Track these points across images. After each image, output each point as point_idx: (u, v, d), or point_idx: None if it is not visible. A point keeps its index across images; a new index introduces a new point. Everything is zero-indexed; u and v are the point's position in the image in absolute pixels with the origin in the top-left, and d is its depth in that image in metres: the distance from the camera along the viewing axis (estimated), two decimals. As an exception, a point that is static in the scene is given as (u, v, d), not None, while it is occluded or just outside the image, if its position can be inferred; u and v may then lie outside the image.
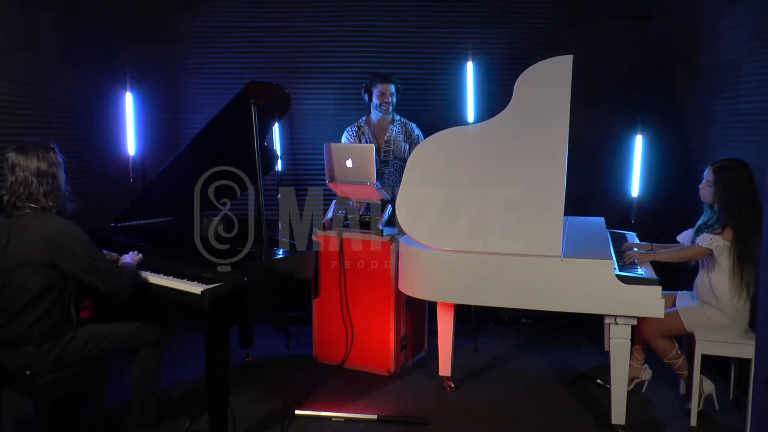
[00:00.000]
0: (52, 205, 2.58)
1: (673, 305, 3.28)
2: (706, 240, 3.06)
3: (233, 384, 3.04)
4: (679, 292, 3.40)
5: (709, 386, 3.20)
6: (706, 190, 3.16)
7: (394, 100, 4.11)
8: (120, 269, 2.76)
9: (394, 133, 4.13)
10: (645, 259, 3.22)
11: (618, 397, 3.02)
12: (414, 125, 4.22)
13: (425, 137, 3.62)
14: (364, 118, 4.24)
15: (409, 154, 3.61)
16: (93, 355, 2.70)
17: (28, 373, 2.57)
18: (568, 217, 3.43)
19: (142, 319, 2.88)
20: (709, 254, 3.08)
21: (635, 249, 3.37)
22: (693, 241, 3.18)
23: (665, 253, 3.23)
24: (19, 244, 2.52)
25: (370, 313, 3.74)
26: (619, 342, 2.99)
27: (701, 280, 3.20)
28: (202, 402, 3.12)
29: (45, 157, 2.56)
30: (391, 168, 4.14)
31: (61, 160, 2.64)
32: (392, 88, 4.07)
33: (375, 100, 4.09)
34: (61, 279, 2.58)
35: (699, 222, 3.24)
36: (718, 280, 3.09)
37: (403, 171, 3.27)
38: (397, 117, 4.20)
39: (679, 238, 3.39)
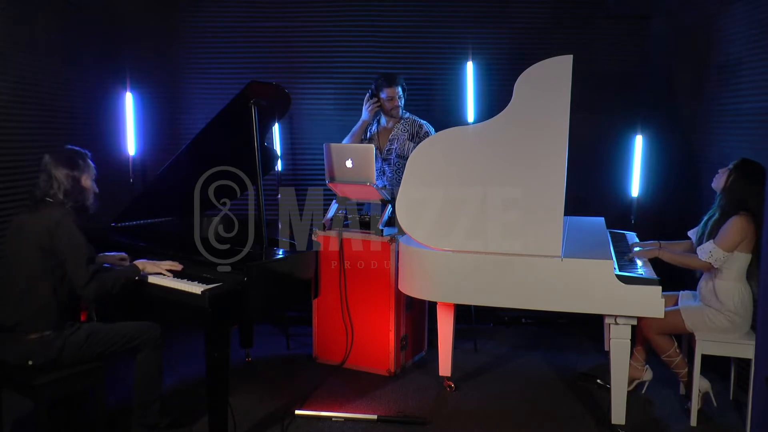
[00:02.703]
0: (70, 203, 2.75)
1: (675, 304, 3.27)
2: (705, 253, 3.05)
3: (233, 384, 3.04)
4: (682, 292, 3.38)
5: (704, 384, 3.18)
6: (721, 176, 3.16)
7: (402, 102, 4.06)
8: (102, 271, 2.77)
9: (398, 131, 4.11)
10: (649, 256, 3.22)
11: (618, 397, 3.02)
12: (425, 123, 4.11)
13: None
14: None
15: None
16: (94, 352, 2.72)
17: (30, 363, 2.60)
18: (568, 217, 3.43)
19: (143, 319, 2.89)
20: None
21: (638, 249, 3.37)
22: (700, 241, 3.18)
23: (670, 254, 3.23)
24: (29, 230, 2.67)
25: (370, 313, 3.74)
26: (619, 342, 2.99)
27: (705, 283, 3.18)
28: (202, 402, 3.11)
29: (71, 162, 2.77)
30: (393, 167, 4.13)
31: (92, 168, 2.85)
32: (399, 90, 4.01)
33: (386, 105, 4.03)
34: (59, 266, 2.66)
35: (705, 217, 3.26)
36: (723, 287, 3.08)
37: (404, 170, 3.26)
38: (407, 115, 4.13)
39: (690, 233, 3.38)
